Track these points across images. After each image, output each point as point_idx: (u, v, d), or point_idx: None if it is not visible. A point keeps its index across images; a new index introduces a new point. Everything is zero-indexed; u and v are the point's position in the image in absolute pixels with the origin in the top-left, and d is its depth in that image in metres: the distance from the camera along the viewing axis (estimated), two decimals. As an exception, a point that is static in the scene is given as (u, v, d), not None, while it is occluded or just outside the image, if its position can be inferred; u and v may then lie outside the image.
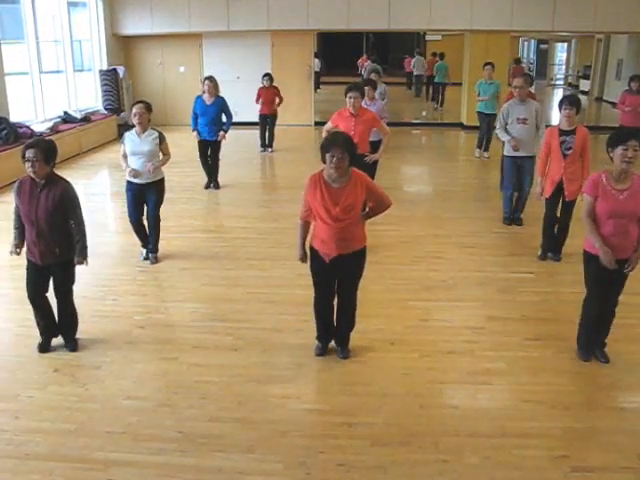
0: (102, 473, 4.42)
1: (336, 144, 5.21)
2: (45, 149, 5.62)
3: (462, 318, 6.73)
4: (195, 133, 11.69)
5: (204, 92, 11.57)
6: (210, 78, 11.67)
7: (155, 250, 8.36)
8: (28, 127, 13.74)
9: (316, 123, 18.70)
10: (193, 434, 4.82)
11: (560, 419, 4.97)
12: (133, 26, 18.34)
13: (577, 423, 4.92)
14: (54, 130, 14.59)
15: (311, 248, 5.64)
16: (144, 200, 8.17)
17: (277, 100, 15.23)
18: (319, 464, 4.51)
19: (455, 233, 9.35)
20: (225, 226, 9.96)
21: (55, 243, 5.76)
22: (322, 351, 5.92)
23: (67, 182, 5.81)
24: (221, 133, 11.58)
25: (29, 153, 5.55)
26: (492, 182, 12.11)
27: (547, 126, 8.77)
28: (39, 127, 14.32)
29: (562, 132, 7.85)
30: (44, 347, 6.06)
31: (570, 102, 7.79)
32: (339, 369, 5.70)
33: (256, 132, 15.59)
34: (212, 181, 11.96)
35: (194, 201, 11.13)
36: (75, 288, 7.22)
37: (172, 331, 6.51)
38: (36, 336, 6.15)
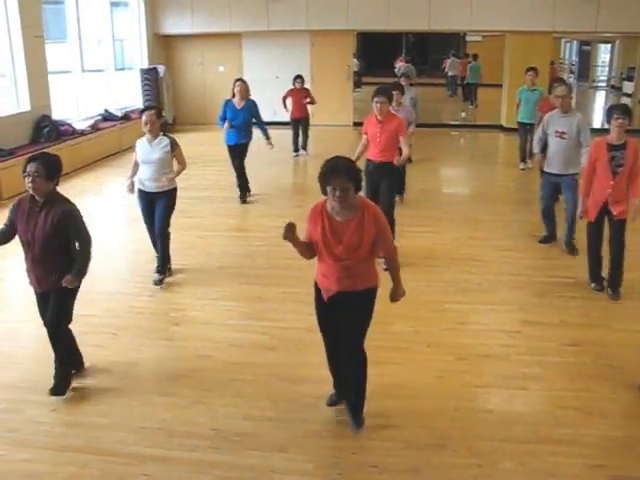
0: (136, 468, 4.47)
1: (337, 174, 4.41)
2: (48, 164, 5.16)
3: (498, 321, 6.67)
4: (227, 124, 10.81)
5: (234, 95, 10.88)
6: (242, 80, 11.11)
7: (162, 270, 7.70)
8: (70, 125, 13.93)
9: (355, 123, 18.67)
10: (226, 432, 4.85)
11: (597, 427, 4.90)
12: (174, 26, 18.50)
13: (614, 431, 4.85)
14: (95, 128, 14.76)
15: (315, 285, 4.86)
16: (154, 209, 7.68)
17: (306, 102, 14.80)
18: (351, 465, 4.51)
19: (492, 236, 9.28)
20: (261, 225, 9.98)
21: (52, 270, 5.18)
22: (333, 402, 5.17)
23: (70, 204, 5.31)
24: (269, 142, 11.06)
25: (30, 167, 5.05)
26: (531, 186, 11.99)
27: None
28: (80, 125, 14.50)
29: (611, 147, 6.91)
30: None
31: (622, 110, 6.88)
32: (373, 370, 5.67)
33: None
34: (242, 191, 11.29)
35: (230, 200, 11.15)
36: (112, 284, 7.31)
37: (207, 329, 6.54)
38: (74, 330, 6.22)
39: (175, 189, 7.67)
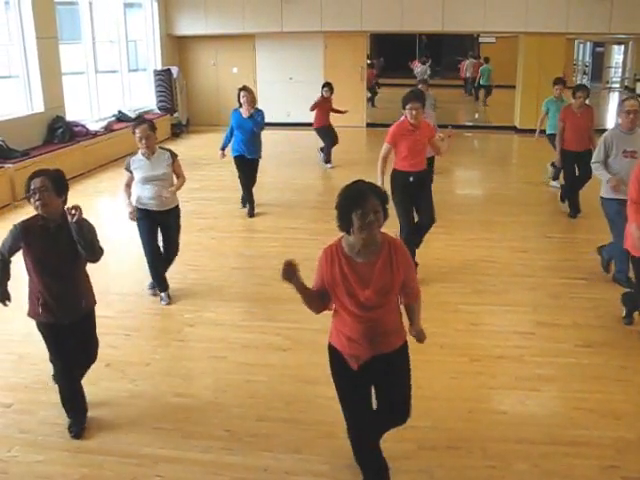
0: (150, 469, 4.48)
1: (365, 195, 3.68)
2: (54, 177, 4.58)
3: (512, 323, 6.66)
4: (220, 153, 10.51)
5: (241, 105, 10.22)
6: (246, 89, 10.32)
7: (166, 286, 7.37)
8: (83, 126, 13.99)
9: (368, 125, 18.67)
10: (241, 433, 4.86)
11: (611, 428, 4.88)
12: (187, 27, 18.55)
13: (628, 433, 4.83)
14: (108, 129, 14.82)
15: (331, 348, 4.08)
16: (157, 229, 7.23)
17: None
18: (365, 466, 4.50)
19: (506, 237, 9.25)
20: (275, 226, 9.99)
21: (82, 292, 4.88)
22: None
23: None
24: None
25: (35, 183, 4.48)
26: (544, 187, 11.97)
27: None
28: (94, 126, 14.55)
29: None
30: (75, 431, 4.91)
31: None
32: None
33: (306, 132, 15.33)
34: (251, 204, 10.66)
35: (245, 200, 11.15)
36: (126, 285, 7.33)
37: (222, 330, 6.55)
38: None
39: (178, 205, 7.31)
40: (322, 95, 13.86)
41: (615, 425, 4.93)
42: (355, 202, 3.67)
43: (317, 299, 4.01)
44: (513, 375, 5.64)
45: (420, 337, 4.27)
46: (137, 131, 6.80)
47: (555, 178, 12.12)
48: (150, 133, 6.82)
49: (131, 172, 6.97)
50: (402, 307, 4.14)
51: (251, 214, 10.56)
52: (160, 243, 7.33)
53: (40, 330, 4.88)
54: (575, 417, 5.03)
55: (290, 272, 3.92)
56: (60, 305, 4.71)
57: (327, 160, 14.13)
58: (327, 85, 14.00)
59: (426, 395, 5.32)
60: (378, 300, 3.80)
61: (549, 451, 4.61)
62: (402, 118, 7.52)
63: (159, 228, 7.21)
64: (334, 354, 4.04)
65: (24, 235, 4.58)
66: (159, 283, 7.33)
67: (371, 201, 3.64)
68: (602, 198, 7.27)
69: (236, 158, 10.42)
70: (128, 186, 7.03)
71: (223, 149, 10.47)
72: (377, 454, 4.15)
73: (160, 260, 7.31)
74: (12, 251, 4.71)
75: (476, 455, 4.60)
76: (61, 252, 4.61)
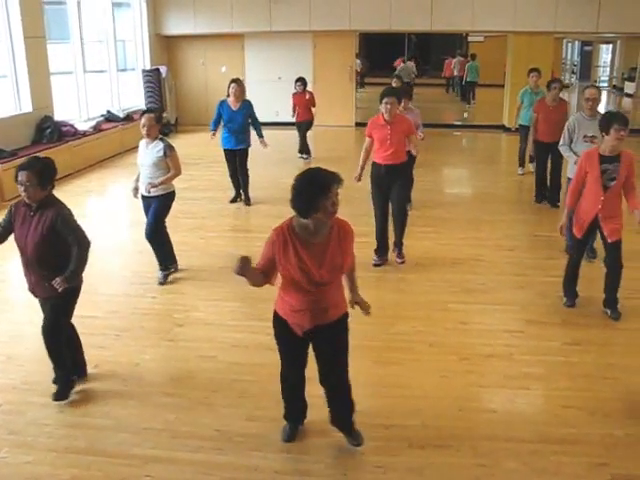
0: (139, 469, 4.47)
1: (333, 183, 4.01)
2: (40, 172, 4.96)
3: (501, 321, 6.68)
4: (212, 134, 10.92)
5: (228, 96, 10.58)
6: (237, 81, 10.70)
7: (163, 267, 7.78)
8: (72, 125, 13.95)
9: (357, 124, 18.68)
10: (230, 432, 4.85)
11: (599, 426, 4.90)
12: (176, 26, 18.51)
13: (617, 430, 4.85)
14: (97, 129, 14.78)
15: (276, 316, 4.62)
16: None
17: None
18: (356, 465, 4.51)
19: (495, 236, 9.28)
20: (263, 225, 9.94)
21: (46, 276, 5.01)
22: (291, 436, 4.79)
23: (63, 207, 5.17)
24: (263, 141, 10.80)
25: (21, 176, 4.89)
26: (533, 186, 11.99)
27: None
28: (82, 126, 14.51)
29: (604, 158, 6.38)
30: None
31: (625, 122, 6.23)
32: (376, 370, 5.69)
33: (294, 132, 15.18)
34: (240, 195, 11.13)
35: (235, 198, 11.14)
36: (115, 285, 7.31)
37: (211, 330, 6.55)
38: (80, 332, 6.24)
39: (169, 194, 7.56)
40: (296, 90, 14.19)
41: (604, 422, 4.95)
42: (323, 189, 3.94)
43: (262, 277, 4.36)
44: (502, 373, 5.66)
45: (364, 306, 4.65)
46: (143, 118, 7.31)
47: (522, 165, 13.14)
48: (153, 123, 7.28)
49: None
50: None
51: (247, 202, 11.03)
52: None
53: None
54: (564, 415, 5.05)
55: (245, 267, 4.22)
56: (28, 280, 5.20)
57: (303, 150, 14.61)
58: (299, 80, 14.22)
59: (415, 394, 5.34)
60: (330, 277, 4.17)
61: (538, 449, 4.63)
62: (379, 113, 7.90)
63: None
64: (279, 321, 4.54)
65: (12, 212, 5.11)
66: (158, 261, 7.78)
67: (336, 187, 3.99)
68: (568, 178, 7.88)
69: (226, 151, 10.83)
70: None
71: (213, 131, 10.94)
72: (303, 401, 4.83)
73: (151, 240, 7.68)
74: (7, 223, 5.13)
75: (466, 453, 4.61)
76: (30, 237, 4.97)
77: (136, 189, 7.63)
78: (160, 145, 7.31)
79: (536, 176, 11.02)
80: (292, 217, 4.18)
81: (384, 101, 7.65)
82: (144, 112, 7.52)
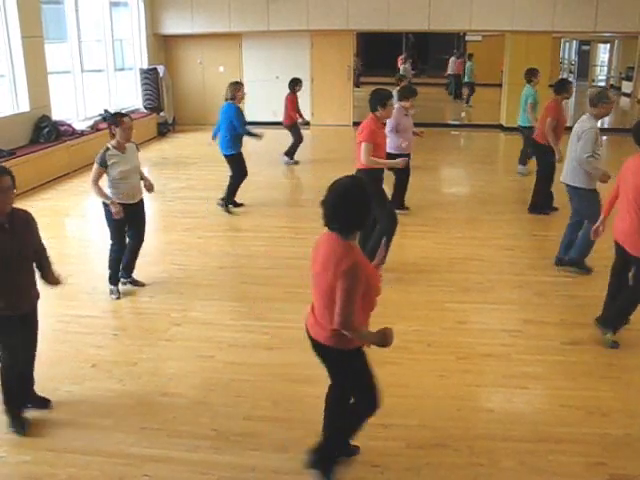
0: (137, 468, 4.47)
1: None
2: (13, 176, 4.64)
3: (499, 321, 6.68)
4: (212, 142, 10.77)
5: (238, 100, 10.20)
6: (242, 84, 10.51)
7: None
8: (69, 125, 13.93)
9: (355, 123, 18.66)
10: (228, 432, 4.85)
11: (597, 425, 4.91)
12: (174, 26, 18.48)
13: (615, 430, 4.85)
14: (94, 128, 14.75)
15: (357, 349, 4.23)
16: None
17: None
18: (353, 464, 4.50)
19: (493, 235, 9.28)
20: (261, 225, 9.98)
21: (33, 283, 4.83)
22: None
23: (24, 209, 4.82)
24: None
25: (6, 182, 4.52)
26: (531, 185, 11.99)
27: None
28: (80, 125, 14.50)
29: None
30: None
31: None
32: (374, 370, 5.67)
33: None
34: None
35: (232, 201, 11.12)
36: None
37: (208, 329, 6.54)
38: (75, 331, 6.25)
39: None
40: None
41: (602, 422, 4.95)
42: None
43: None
44: (500, 373, 5.66)
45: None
46: (126, 120, 6.88)
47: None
48: (132, 126, 6.96)
49: (106, 167, 6.86)
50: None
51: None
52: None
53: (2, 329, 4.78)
54: (562, 414, 5.05)
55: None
56: (19, 295, 4.69)
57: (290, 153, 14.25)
58: (292, 81, 13.96)
59: (413, 393, 5.34)
60: None
61: (536, 448, 4.63)
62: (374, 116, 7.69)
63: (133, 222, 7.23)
64: (360, 353, 4.26)
65: None
66: (124, 274, 7.42)
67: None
68: (587, 189, 7.45)
69: (242, 154, 10.50)
70: (96, 182, 6.88)
71: (214, 138, 10.66)
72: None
73: (120, 261, 7.32)
74: None
75: (463, 453, 4.61)
76: (17, 244, 4.56)
77: (120, 209, 6.92)
78: (134, 145, 7.16)
79: (546, 181, 10.30)
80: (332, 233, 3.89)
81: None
82: (123, 114, 7.12)
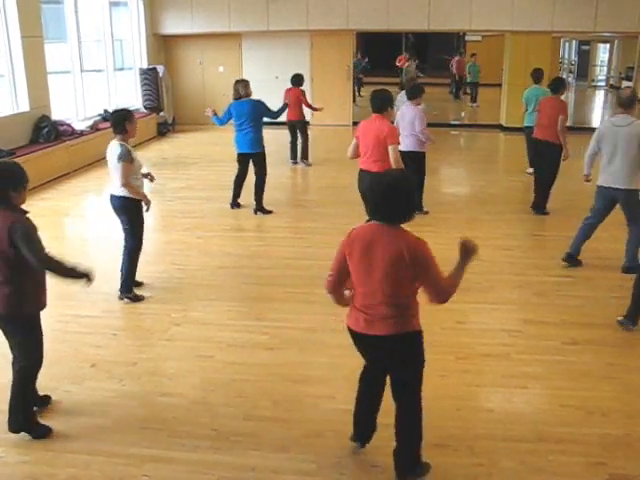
0: (137, 468, 4.46)
1: None
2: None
3: (499, 321, 6.68)
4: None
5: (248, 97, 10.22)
6: None
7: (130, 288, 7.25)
8: (69, 125, 13.92)
9: (355, 123, 18.65)
10: (228, 432, 4.84)
11: (597, 425, 4.91)
12: (173, 26, 18.49)
13: (615, 430, 4.85)
14: (94, 128, 14.76)
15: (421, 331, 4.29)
16: None
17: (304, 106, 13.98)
18: (353, 465, 4.50)
19: (493, 235, 9.26)
20: (261, 225, 9.99)
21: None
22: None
23: None
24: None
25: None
26: (532, 185, 11.99)
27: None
28: (80, 125, 14.50)
29: None
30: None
31: None
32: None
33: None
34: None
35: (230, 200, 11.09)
36: (112, 285, 7.28)
37: (208, 329, 6.53)
38: (75, 331, 6.24)
39: None
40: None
41: (602, 422, 4.95)
42: None
43: None
44: (500, 373, 5.65)
45: None
46: (135, 118, 6.92)
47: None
48: None
49: (131, 163, 6.82)
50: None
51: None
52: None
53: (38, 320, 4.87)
54: (562, 414, 5.05)
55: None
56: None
57: (293, 156, 14.30)
58: (294, 76, 13.95)
59: (413, 393, 5.32)
60: None
61: (536, 448, 4.63)
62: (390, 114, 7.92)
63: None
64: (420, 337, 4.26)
65: None
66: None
67: None
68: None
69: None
70: (130, 180, 6.83)
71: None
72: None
73: None
74: None
75: (463, 453, 4.60)
76: None
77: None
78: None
79: (553, 181, 10.31)
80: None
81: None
82: (131, 112, 7.10)
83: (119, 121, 6.78)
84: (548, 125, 9.84)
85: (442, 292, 4.11)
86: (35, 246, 4.51)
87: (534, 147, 10.46)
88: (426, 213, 9.96)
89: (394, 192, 3.97)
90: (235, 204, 10.66)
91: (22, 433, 4.78)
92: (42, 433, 4.82)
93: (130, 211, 6.98)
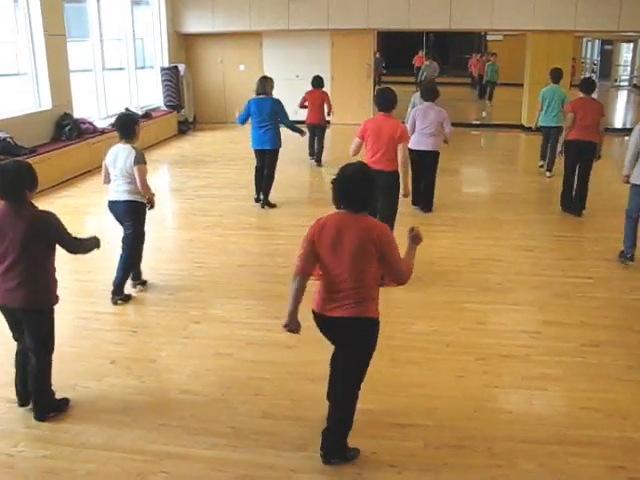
0: (155, 465, 4.47)
1: None
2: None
3: (518, 322, 6.65)
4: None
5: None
6: None
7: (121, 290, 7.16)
8: (91, 123, 14.00)
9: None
10: (246, 430, 4.85)
11: (617, 428, 4.87)
12: (194, 24, 18.55)
13: (635, 433, 4.81)
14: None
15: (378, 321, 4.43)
16: None
17: (326, 108, 13.97)
18: (370, 464, 4.49)
19: (513, 236, 9.23)
20: (281, 224, 9.99)
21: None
22: None
23: None
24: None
25: None
26: (552, 185, 11.93)
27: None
28: (101, 123, 14.58)
29: None
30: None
31: None
32: (393, 370, 5.67)
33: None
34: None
35: (250, 198, 11.09)
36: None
37: (227, 327, 6.55)
38: (95, 328, 6.27)
39: None
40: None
41: (622, 425, 4.91)
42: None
43: None
44: (519, 374, 5.63)
45: None
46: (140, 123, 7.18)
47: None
48: None
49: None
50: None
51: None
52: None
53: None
54: (582, 417, 5.02)
55: None
56: None
57: (311, 153, 14.36)
58: (316, 78, 14.00)
59: (431, 394, 5.32)
60: None
61: (555, 451, 4.60)
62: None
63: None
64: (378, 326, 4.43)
65: None
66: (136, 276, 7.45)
67: None
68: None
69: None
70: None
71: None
72: None
73: None
74: None
75: (481, 454, 4.58)
76: None
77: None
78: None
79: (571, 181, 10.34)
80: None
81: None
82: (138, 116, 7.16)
83: (130, 125, 6.87)
84: (593, 126, 9.78)
85: (403, 273, 4.31)
86: (67, 230, 4.79)
87: (576, 148, 9.98)
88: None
89: (360, 183, 4.29)
90: (259, 199, 10.73)
91: (41, 430, 4.83)
92: (66, 404, 5.08)
93: (140, 214, 7.14)
